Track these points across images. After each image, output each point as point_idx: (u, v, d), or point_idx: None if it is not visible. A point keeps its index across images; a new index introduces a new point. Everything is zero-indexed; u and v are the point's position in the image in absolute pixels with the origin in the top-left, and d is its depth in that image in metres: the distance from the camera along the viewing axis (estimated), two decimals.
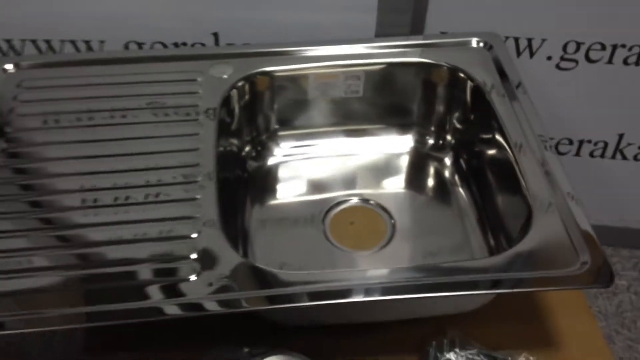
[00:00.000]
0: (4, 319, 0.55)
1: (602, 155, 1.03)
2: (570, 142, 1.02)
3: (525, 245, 0.61)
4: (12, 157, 0.70)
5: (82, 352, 0.65)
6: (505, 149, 0.74)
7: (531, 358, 0.64)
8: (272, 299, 0.56)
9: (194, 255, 0.60)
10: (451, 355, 0.63)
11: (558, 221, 0.63)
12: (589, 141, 1.02)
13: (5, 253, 0.60)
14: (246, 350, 0.61)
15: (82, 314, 0.55)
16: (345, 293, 0.57)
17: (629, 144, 1.01)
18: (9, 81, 0.77)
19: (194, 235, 0.62)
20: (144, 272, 0.59)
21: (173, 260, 0.59)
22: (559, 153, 1.03)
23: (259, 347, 0.61)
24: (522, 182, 0.69)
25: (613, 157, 1.03)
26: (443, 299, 0.62)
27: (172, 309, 0.55)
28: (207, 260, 0.59)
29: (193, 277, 0.57)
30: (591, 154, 1.03)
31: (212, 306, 0.55)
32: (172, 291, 0.57)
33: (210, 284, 0.57)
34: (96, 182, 0.67)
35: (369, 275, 0.60)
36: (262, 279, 0.58)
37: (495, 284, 0.58)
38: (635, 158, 1.03)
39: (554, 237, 0.62)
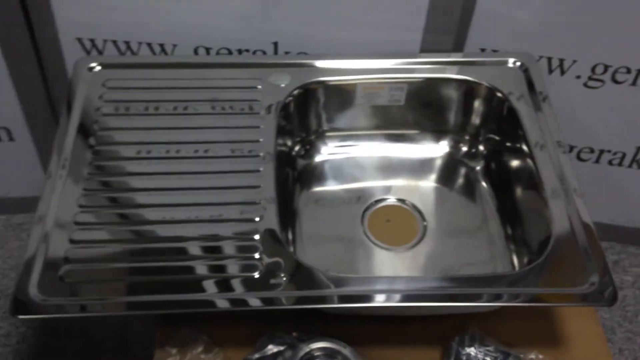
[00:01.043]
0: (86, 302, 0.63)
1: (620, 164, 1.07)
2: (592, 151, 1.06)
3: (542, 262, 0.68)
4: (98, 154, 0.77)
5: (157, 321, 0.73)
6: (528, 158, 0.80)
7: (540, 356, 0.71)
8: (327, 299, 0.64)
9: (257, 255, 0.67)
10: (471, 350, 0.70)
11: (574, 243, 0.69)
12: (609, 151, 1.06)
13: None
14: (295, 334, 0.68)
15: (153, 302, 0.63)
16: (385, 298, 0.65)
17: None
18: (94, 80, 0.84)
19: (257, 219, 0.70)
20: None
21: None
22: (580, 159, 1.08)
23: (305, 333, 0.68)
24: (544, 196, 0.75)
25: (630, 166, 1.07)
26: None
27: (240, 302, 0.64)
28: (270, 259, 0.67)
29: (256, 275, 0.65)
30: (610, 162, 1.07)
31: (280, 302, 0.64)
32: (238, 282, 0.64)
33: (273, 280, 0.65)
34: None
35: (403, 281, 0.68)
36: (314, 278, 0.66)
37: (512, 297, 0.65)
38: None
39: (569, 257, 0.68)
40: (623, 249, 1.21)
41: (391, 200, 0.89)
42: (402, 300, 0.65)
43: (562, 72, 0.95)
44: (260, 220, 0.71)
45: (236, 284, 0.65)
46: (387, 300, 0.65)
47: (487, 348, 0.71)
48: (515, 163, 0.86)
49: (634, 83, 0.95)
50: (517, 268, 0.79)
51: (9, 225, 1.15)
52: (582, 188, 0.75)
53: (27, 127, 1.01)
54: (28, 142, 1.03)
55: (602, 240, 1.19)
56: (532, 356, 0.71)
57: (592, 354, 0.73)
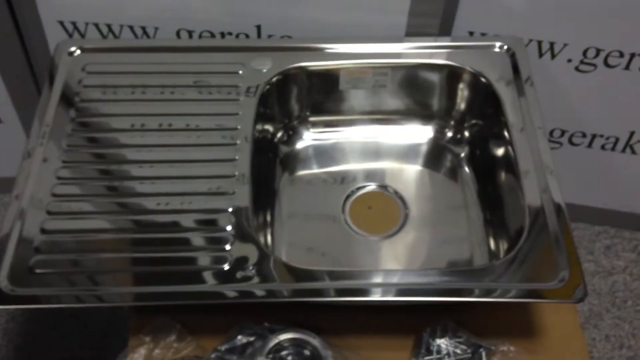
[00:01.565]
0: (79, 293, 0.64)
1: (613, 149, 1.05)
2: (584, 135, 1.04)
3: (515, 256, 0.67)
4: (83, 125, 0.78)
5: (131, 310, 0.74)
6: (508, 144, 0.79)
7: (512, 348, 0.71)
8: (304, 292, 0.65)
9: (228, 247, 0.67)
10: (442, 341, 0.70)
11: (547, 236, 0.68)
12: (601, 135, 1.04)
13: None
14: (266, 324, 0.69)
15: (136, 293, 0.64)
16: (363, 292, 0.66)
17: (638, 141, 1.03)
18: (74, 64, 0.84)
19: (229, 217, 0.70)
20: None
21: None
22: (572, 144, 1.06)
23: (276, 323, 0.69)
24: (520, 179, 0.74)
25: (623, 151, 1.05)
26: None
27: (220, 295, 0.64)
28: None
29: (226, 267, 0.66)
30: (602, 147, 1.06)
31: (257, 294, 0.64)
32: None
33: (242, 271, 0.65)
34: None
35: (378, 274, 0.68)
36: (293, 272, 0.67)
37: (485, 292, 0.65)
38: None
39: (542, 249, 0.67)
40: (617, 234, 1.20)
41: (373, 186, 0.89)
42: (374, 294, 0.65)
43: (553, 56, 0.92)
44: (232, 210, 0.71)
45: (207, 275, 0.66)
46: (357, 294, 0.65)
47: (458, 340, 0.71)
48: (497, 149, 0.85)
49: (627, 67, 0.92)
50: (495, 256, 0.79)
51: (0, 205, 1.16)
52: (559, 170, 0.75)
53: (14, 109, 1.01)
54: (15, 123, 1.03)
55: (595, 225, 1.21)
56: (504, 348, 0.71)
57: (567, 346, 0.73)
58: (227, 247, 0.68)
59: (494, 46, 0.87)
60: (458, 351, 0.70)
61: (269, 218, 0.83)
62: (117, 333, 1.02)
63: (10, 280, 0.63)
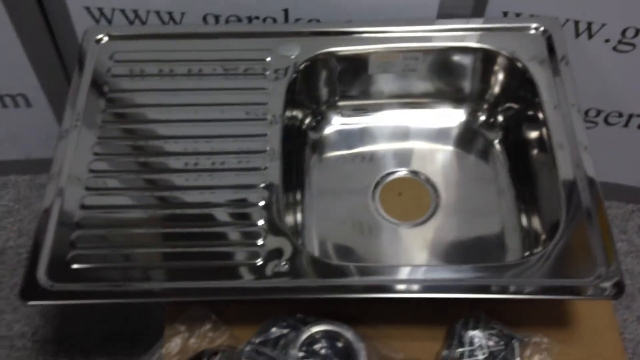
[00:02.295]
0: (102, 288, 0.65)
1: None
2: (620, 115, 1.02)
3: (551, 250, 0.66)
4: (115, 116, 0.78)
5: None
6: (544, 127, 0.77)
7: (545, 339, 0.71)
8: (335, 289, 0.65)
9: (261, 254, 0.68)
10: (475, 332, 0.70)
11: (583, 230, 0.67)
12: (639, 115, 1.01)
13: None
14: (299, 316, 0.70)
15: (171, 289, 0.65)
16: (394, 289, 0.66)
17: None
18: (102, 52, 0.84)
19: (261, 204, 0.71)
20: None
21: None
22: (608, 123, 1.04)
23: (309, 315, 0.70)
24: (555, 166, 0.73)
25: None
26: None
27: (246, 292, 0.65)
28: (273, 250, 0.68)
29: (260, 262, 0.66)
30: (639, 127, 1.03)
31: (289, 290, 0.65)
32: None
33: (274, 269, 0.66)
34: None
35: (411, 270, 0.68)
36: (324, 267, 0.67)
37: (516, 289, 0.64)
38: None
39: (578, 247, 0.67)
40: None
41: (404, 172, 0.88)
42: (405, 292, 0.65)
43: (590, 36, 0.89)
44: (263, 204, 0.71)
45: (240, 270, 0.66)
46: (388, 290, 0.65)
47: (491, 332, 0.71)
48: (531, 132, 0.83)
49: None
50: (529, 246, 0.78)
51: (33, 186, 1.18)
52: (593, 148, 0.74)
53: (43, 93, 1.01)
54: (45, 106, 1.04)
55: (628, 203, 1.19)
56: (537, 339, 0.71)
57: (600, 337, 0.72)
58: (260, 242, 0.68)
59: (529, 27, 0.85)
60: (491, 343, 0.70)
61: (299, 206, 0.83)
62: (153, 313, 1.04)
63: (49, 276, 0.65)
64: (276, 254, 0.67)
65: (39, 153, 1.15)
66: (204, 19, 0.89)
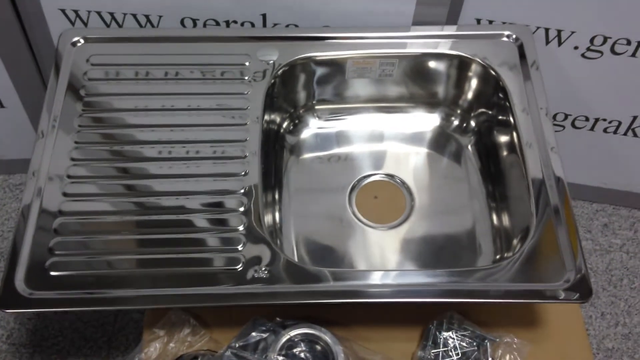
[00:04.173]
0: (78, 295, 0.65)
1: (615, 132, 1.05)
2: (587, 119, 1.04)
3: (520, 255, 0.68)
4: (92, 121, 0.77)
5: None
6: (514, 131, 0.79)
7: (516, 340, 0.72)
8: (313, 294, 0.66)
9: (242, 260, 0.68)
10: (449, 334, 0.72)
11: (554, 236, 0.69)
12: (604, 119, 1.03)
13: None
14: (278, 320, 0.70)
15: (151, 296, 0.65)
16: (370, 294, 0.67)
17: None
18: (78, 55, 0.82)
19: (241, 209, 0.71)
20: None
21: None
22: (575, 127, 1.06)
23: (288, 318, 0.70)
24: (525, 164, 0.76)
25: (625, 134, 1.05)
26: None
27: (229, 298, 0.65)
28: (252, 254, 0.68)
29: (240, 267, 0.67)
30: (604, 130, 1.06)
31: (268, 296, 0.65)
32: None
33: (254, 274, 0.66)
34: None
35: (387, 275, 0.69)
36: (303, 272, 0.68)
37: (488, 293, 0.66)
38: None
39: (547, 252, 0.68)
40: (614, 212, 1.21)
41: (380, 175, 0.89)
42: (381, 296, 0.66)
43: (560, 43, 0.91)
44: (243, 208, 0.72)
45: (220, 277, 0.66)
46: (363, 295, 0.66)
47: (464, 333, 0.72)
48: (502, 135, 0.85)
49: (633, 54, 0.91)
50: (499, 248, 0.80)
51: (6, 186, 1.16)
52: (559, 148, 0.77)
53: (17, 94, 0.99)
54: (19, 108, 1.02)
55: (593, 202, 1.22)
56: (508, 339, 0.73)
57: (568, 337, 0.74)
58: (240, 247, 0.68)
59: (501, 35, 0.86)
60: (464, 344, 0.72)
61: (277, 210, 0.84)
62: (128, 315, 1.03)
63: (28, 284, 0.64)
64: (256, 260, 0.67)
65: (13, 154, 1.13)
66: (182, 22, 0.88)
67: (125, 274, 0.66)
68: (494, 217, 0.83)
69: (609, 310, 1.10)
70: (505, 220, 0.81)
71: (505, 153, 0.83)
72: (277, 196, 0.84)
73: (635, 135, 1.06)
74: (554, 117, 1.04)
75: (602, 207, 1.22)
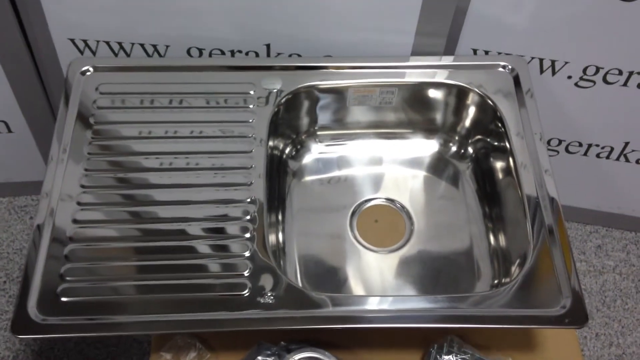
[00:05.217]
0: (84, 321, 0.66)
1: (608, 157, 1.08)
2: (580, 145, 1.06)
3: (518, 282, 0.70)
4: (100, 149, 0.78)
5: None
6: (510, 158, 0.82)
7: None
8: (317, 319, 0.67)
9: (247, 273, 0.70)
10: (449, 357, 0.73)
11: (550, 262, 0.71)
12: (597, 145, 1.06)
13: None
14: (282, 343, 0.71)
15: (159, 321, 0.66)
16: (368, 320, 0.68)
17: (633, 150, 1.06)
18: (87, 83, 0.84)
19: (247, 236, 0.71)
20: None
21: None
22: (568, 152, 1.08)
23: (293, 342, 0.71)
24: (520, 185, 0.78)
25: (617, 159, 1.08)
26: None
27: (230, 324, 0.66)
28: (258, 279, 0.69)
29: (246, 293, 0.68)
30: (597, 155, 1.08)
31: (273, 321, 0.66)
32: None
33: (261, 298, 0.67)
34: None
35: (389, 300, 0.70)
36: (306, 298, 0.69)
37: (486, 319, 0.67)
38: (637, 162, 1.07)
39: (544, 276, 0.70)
40: (607, 233, 1.23)
41: (380, 200, 0.90)
42: (383, 321, 0.68)
43: (554, 73, 0.94)
44: (250, 238, 0.73)
45: (226, 301, 0.67)
46: (365, 321, 0.68)
47: (464, 356, 0.74)
48: (499, 162, 0.87)
49: (625, 84, 0.94)
50: (497, 272, 0.81)
51: (11, 208, 1.17)
52: (553, 171, 0.79)
53: (25, 120, 1.01)
54: (26, 132, 1.04)
55: (586, 224, 1.24)
56: None
57: (564, 356, 0.76)
58: (246, 273, 0.69)
59: (497, 65, 0.88)
60: None
61: (280, 234, 0.85)
62: (131, 336, 1.04)
63: (40, 310, 0.65)
64: (262, 286, 0.69)
65: (19, 176, 1.14)
66: (188, 52, 0.90)
67: (134, 300, 0.67)
68: (492, 240, 0.84)
69: (603, 331, 1.11)
70: (503, 242, 0.82)
71: (501, 177, 0.85)
72: (280, 217, 0.86)
73: (627, 160, 1.08)
74: (549, 142, 1.07)
75: (595, 229, 1.24)
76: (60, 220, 0.72)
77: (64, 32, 0.87)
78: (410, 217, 0.88)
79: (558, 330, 0.77)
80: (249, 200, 0.75)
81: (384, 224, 0.88)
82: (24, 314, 0.64)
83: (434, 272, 0.84)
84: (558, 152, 1.08)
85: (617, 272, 1.19)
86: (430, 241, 0.86)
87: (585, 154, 1.08)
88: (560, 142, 1.07)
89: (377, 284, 0.83)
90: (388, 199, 0.90)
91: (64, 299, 0.66)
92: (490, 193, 0.87)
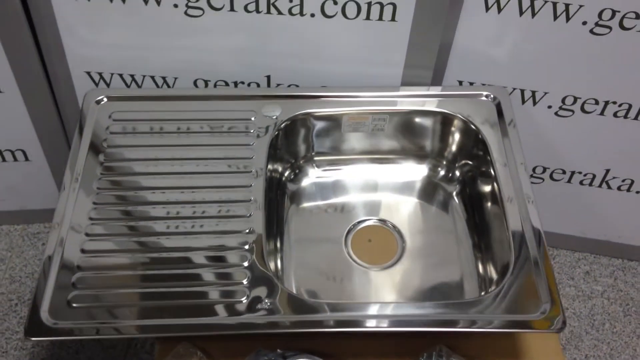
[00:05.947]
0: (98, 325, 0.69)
1: (590, 184, 1.12)
2: (564, 172, 1.11)
3: (502, 290, 0.73)
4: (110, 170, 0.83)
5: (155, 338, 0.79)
6: (494, 182, 0.85)
7: None
8: (312, 324, 0.70)
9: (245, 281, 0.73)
10: None
11: (530, 267, 0.74)
12: (580, 172, 1.10)
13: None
14: (279, 351, 0.74)
15: (162, 325, 0.69)
16: (360, 324, 0.71)
17: (614, 177, 1.10)
18: (102, 112, 0.89)
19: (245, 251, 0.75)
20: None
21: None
22: (553, 179, 1.12)
23: (289, 350, 0.74)
24: (505, 216, 0.81)
25: (600, 186, 1.12)
26: None
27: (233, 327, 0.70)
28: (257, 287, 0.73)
29: (244, 300, 0.71)
30: (581, 182, 1.12)
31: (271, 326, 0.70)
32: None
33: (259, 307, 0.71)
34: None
35: (380, 307, 0.73)
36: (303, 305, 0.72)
37: (472, 323, 0.70)
38: (618, 188, 1.11)
39: (525, 286, 0.73)
40: (595, 260, 1.26)
41: (373, 220, 0.94)
42: (375, 325, 0.71)
43: (534, 103, 0.99)
44: (249, 256, 0.77)
45: (225, 308, 0.71)
46: (358, 325, 0.71)
47: None
48: (484, 185, 0.91)
49: (602, 113, 0.99)
50: (484, 283, 0.85)
51: (25, 235, 1.21)
52: (541, 202, 0.82)
53: (41, 149, 1.06)
54: (42, 161, 1.09)
55: (575, 252, 1.27)
56: None
57: None
58: (245, 281, 0.73)
59: (481, 95, 0.94)
60: None
61: (279, 252, 0.89)
62: (137, 355, 1.06)
63: (51, 314, 0.69)
64: (260, 294, 0.72)
65: (34, 204, 1.19)
66: (195, 83, 0.96)
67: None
68: (479, 262, 0.88)
69: (592, 353, 1.13)
70: (489, 264, 0.86)
71: (487, 203, 0.89)
72: (279, 242, 0.90)
73: (609, 187, 1.12)
74: (534, 170, 1.11)
75: (583, 255, 1.27)
76: (69, 250, 0.75)
77: (81, 66, 0.94)
78: (402, 237, 0.92)
79: (541, 341, 0.79)
80: (249, 215, 0.80)
81: (377, 243, 0.92)
82: (36, 318, 0.68)
83: (424, 288, 0.87)
84: (543, 179, 1.13)
85: (605, 297, 1.21)
86: (421, 259, 0.90)
87: (569, 180, 1.12)
88: (544, 169, 1.11)
89: (371, 298, 0.86)
90: (381, 220, 0.94)
91: (74, 305, 0.70)
92: (477, 217, 0.91)
